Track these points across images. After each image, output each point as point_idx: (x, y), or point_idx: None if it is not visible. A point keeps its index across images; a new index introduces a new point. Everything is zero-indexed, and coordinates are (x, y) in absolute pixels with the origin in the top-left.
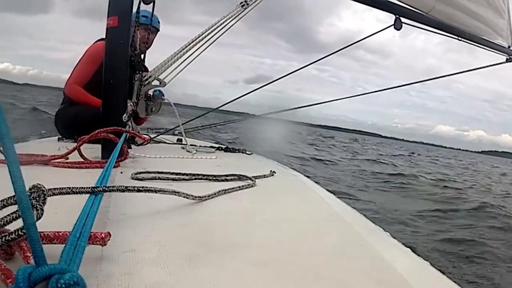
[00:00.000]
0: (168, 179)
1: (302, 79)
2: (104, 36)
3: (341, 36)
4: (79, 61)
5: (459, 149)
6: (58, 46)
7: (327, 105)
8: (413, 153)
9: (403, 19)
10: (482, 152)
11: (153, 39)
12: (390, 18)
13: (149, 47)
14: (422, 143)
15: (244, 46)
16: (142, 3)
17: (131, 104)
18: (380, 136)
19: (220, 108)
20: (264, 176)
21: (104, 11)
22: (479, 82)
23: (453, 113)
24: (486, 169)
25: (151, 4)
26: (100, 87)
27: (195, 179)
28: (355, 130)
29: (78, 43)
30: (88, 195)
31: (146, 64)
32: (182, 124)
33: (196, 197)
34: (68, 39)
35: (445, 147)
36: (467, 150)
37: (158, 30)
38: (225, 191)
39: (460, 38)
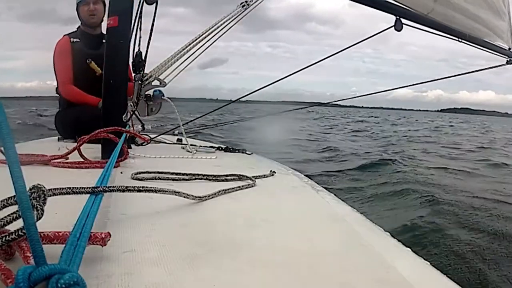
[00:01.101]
0: (168, 179)
1: (258, 57)
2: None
3: (292, 10)
4: (54, 62)
5: (419, 109)
6: (10, 54)
7: (284, 80)
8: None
9: (403, 20)
10: (441, 110)
11: (102, 10)
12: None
13: (101, 19)
14: (382, 108)
15: (193, 32)
16: (145, 3)
17: (131, 104)
18: (339, 106)
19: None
20: (264, 176)
21: (48, 14)
22: (432, 42)
23: (409, 75)
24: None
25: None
26: (88, 80)
27: (195, 179)
28: (313, 102)
29: (31, 49)
30: (88, 195)
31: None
32: (183, 124)
33: (196, 197)
34: (20, 46)
35: (405, 109)
36: (427, 110)
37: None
38: (225, 191)
39: (461, 40)
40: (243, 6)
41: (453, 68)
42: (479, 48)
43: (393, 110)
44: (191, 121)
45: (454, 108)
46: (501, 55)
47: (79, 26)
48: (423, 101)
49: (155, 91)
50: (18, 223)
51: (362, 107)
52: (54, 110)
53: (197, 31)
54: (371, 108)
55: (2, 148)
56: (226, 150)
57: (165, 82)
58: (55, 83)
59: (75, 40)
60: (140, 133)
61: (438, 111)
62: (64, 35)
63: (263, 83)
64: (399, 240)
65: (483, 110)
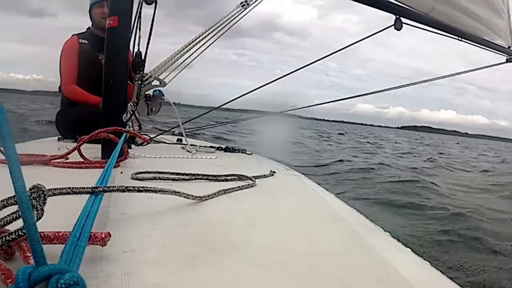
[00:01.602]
0: (168, 179)
1: (223, 64)
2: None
3: (259, 19)
4: (60, 61)
5: (379, 125)
6: None
7: (244, 90)
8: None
9: (403, 19)
10: (402, 127)
11: None
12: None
13: None
14: (343, 122)
15: (159, 34)
16: (144, 3)
17: (131, 104)
18: (301, 117)
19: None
20: (264, 176)
21: (16, 5)
22: (396, 60)
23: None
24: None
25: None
26: (94, 79)
27: (195, 179)
28: (268, 112)
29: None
30: (88, 195)
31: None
32: (183, 124)
33: (196, 197)
34: None
35: (366, 124)
36: (387, 126)
37: None
38: (225, 191)
39: (460, 39)
40: (242, 6)
41: (416, 86)
42: (479, 47)
43: (354, 125)
44: (190, 120)
45: (415, 126)
46: (500, 53)
47: (88, 27)
48: (384, 117)
49: (155, 91)
50: (18, 223)
51: (323, 119)
52: (31, 105)
53: (165, 33)
54: (332, 121)
55: (2, 148)
56: (226, 150)
57: (165, 82)
58: (19, 76)
59: (83, 41)
60: (140, 133)
61: (399, 128)
62: (73, 35)
63: (228, 90)
64: (399, 240)
65: (444, 129)
